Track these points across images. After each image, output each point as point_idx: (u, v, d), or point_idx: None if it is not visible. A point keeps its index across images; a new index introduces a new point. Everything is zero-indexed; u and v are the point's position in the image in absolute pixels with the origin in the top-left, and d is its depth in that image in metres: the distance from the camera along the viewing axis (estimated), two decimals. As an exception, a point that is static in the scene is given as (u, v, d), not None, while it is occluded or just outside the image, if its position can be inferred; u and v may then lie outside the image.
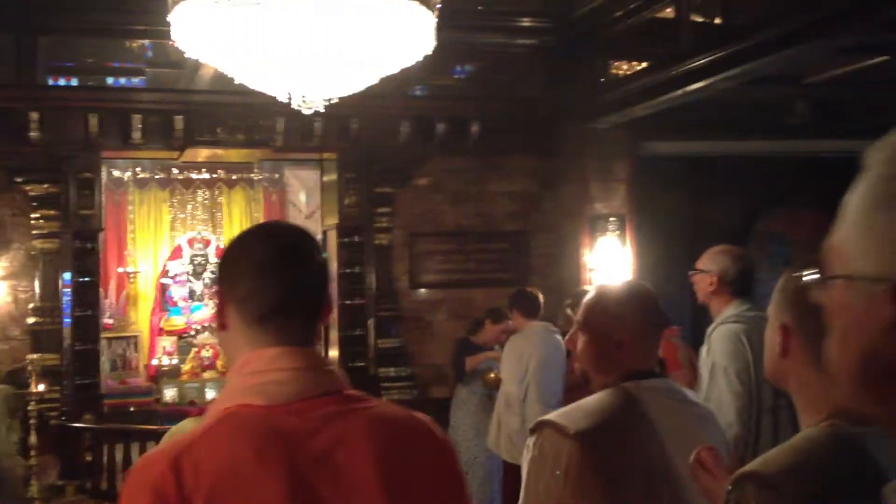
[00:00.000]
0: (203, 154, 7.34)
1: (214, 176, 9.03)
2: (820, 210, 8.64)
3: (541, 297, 6.16)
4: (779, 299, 1.63)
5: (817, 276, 0.83)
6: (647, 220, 7.64)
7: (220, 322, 1.45)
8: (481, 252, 7.86)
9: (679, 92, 5.88)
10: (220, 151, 7.31)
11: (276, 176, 8.93)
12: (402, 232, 7.66)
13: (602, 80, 7.05)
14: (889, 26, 4.67)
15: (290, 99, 3.95)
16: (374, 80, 3.99)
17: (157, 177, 9.02)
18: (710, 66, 5.45)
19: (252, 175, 8.39)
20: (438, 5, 3.81)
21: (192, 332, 9.00)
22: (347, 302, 7.32)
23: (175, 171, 8.84)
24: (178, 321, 9.04)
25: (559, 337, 5.95)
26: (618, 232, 7.38)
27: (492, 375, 6.21)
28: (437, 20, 3.86)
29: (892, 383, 0.75)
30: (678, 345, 5.63)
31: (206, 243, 9.38)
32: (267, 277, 1.41)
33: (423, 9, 3.77)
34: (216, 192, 9.26)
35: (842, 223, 0.79)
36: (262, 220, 8.27)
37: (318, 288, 1.47)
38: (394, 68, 3.93)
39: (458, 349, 6.60)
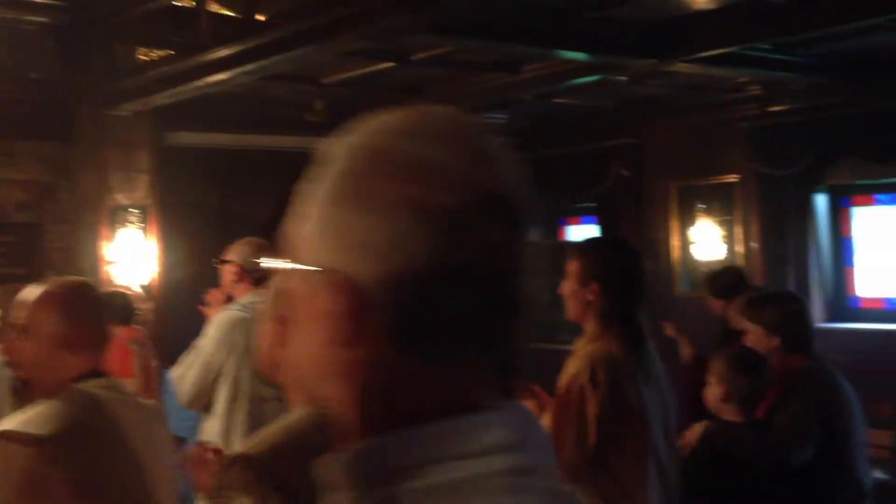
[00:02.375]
0: None
1: None
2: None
3: None
4: (273, 293, 1.68)
5: (279, 263, 0.86)
6: (173, 211, 7.48)
7: None
8: (-13, 246, 7.12)
9: (199, 83, 5.81)
10: None
11: None
12: None
13: (121, 65, 6.74)
14: (389, 34, 5.05)
15: None
16: None
17: None
18: (229, 59, 5.45)
19: None
20: None
21: None
22: None
23: None
24: None
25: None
26: (141, 224, 7.13)
27: None
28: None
29: (343, 372, 0.80)
30: (135, 350, 5.61)
31: None
32: None
33: None
34: None
35: (302, 214, 0.83)
36: None
37: None
38: None
39: None
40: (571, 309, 2.85)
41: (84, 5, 6.50)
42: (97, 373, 2.01)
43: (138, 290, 6.98)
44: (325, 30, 4.82)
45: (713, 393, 3.48)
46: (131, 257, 7.06)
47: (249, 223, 8.25)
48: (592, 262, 2.85)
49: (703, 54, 5.93)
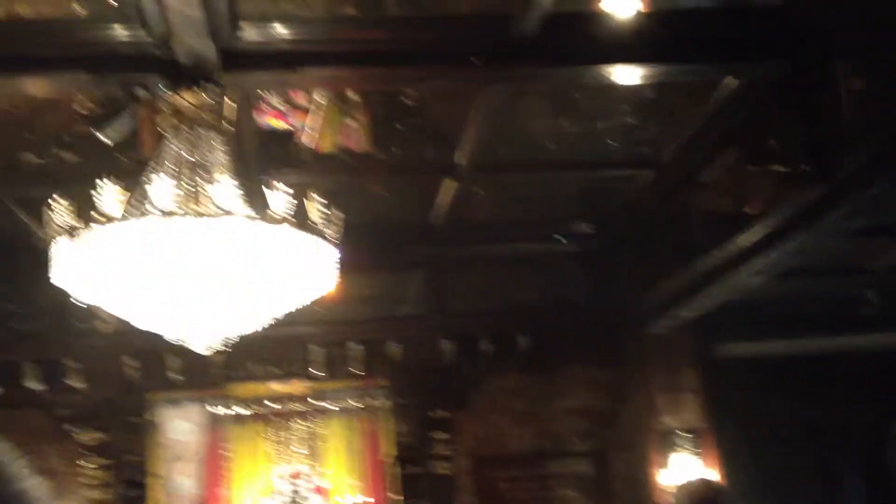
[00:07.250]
0: (247, 389, 7.25)
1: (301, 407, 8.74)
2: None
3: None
4: None
5: None
6: (733, 433, 6.75)
7: None
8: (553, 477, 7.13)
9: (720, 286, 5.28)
10: (275, 385, 7.22)
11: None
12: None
13: (646, 284, 6.45)
14: None
15: (184, 340, 3.75)
16: (277, 316, 3.73)
17: (250, 412, 8.82)
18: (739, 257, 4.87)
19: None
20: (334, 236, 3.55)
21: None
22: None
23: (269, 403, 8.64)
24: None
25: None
26: (693, 448, 6.53)
27: None
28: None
29: None
30: None
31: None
32: None
33: (324, 242, 3.51)
34: (312, 424, 8.93)
35: None
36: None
37: None
38: (296, 304, 3.66)
39: None
40: None
41: (611, 232, 6.46)
42: None
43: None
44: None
45: None
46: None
47: (843, 432, 7.06)
48: None
49: None
